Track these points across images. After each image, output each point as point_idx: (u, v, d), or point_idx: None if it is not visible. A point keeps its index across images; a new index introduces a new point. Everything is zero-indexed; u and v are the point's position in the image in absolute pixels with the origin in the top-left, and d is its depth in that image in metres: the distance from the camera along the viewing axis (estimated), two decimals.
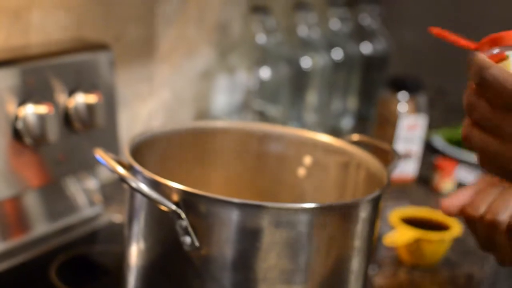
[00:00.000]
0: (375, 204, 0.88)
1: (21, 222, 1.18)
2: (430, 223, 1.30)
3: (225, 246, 0.81)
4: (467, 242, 1.38)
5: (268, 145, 1.06)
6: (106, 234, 1.27)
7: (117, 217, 1.30)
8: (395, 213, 1.31)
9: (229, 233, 0.81)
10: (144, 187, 0.81)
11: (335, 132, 1.85)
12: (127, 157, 0.88)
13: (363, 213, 0.86)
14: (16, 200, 1.16)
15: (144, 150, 0.96)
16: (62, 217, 1.24)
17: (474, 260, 1.31)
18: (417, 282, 1.22)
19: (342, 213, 0.84)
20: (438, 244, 1.25)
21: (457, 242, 1.35)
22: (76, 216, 1.27)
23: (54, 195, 1.23)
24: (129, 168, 0.86)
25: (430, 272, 1.26)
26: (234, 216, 0.80)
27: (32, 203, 1.19)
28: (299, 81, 1.72)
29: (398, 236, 1.25)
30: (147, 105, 1.54)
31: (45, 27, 1.24)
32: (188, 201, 0.81)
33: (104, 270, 1.17)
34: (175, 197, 0.81)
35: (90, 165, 1.26)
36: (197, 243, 0.81)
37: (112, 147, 1.27)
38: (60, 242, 1.21)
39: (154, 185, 0.82)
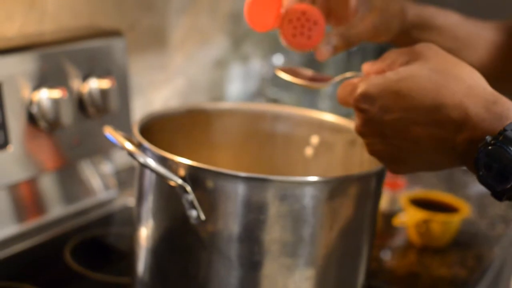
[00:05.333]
0: (378, 179, 0.90)
1: (37, 204, 1.21)
2: (439, 205, 1.31)
3: (230, 219, 0.83)
4: (476, 224, 1.39)
5: (275, 126, 1.08)
6: (120, 217, 1.29)
7: (132, 201, 1.32)
8: (405, 195, 1.32)
9: (234, 207, 0.82)
10: (151, 162, 0.83)
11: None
12: (136, 135, 0.90)
13: (367, 188, 0.87)
14: (31, 183, 1.19)
15: (153, 130, 0.98)
16: (77, 200, 1.27)
17: (483, 242, 1.32)
18: (426, 263, 1.23)
19: (346, 187, 0.85)
20: (447, 225, 1.26)
21: (466, 223, 1.36)
22: (91, 199, 1.29)
23: (69, 179, 1.26)
24: (138, 145, 0.88)
25: (440, 253, 1.27)
26: (239, 190, 0.82)
27: (48, 186, 1.22)
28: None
29: (408, 217, 1.26)
30: (161, 93, 1.56)
31: (59, 15, 1.26)
32: (194, 176, 0.83)
33: (117, 252, 1.19)
34: (182, 172, 0.83)
35: (104, 149, 1.28)
36: (203, 217, 0.83)
37: (125, 131, 1.28)
38: (75, 224, 1.24)
39: (162, 160, 0.84)
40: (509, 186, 0.70)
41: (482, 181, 0.72)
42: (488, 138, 0.70)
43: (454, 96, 0.73)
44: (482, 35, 1.04)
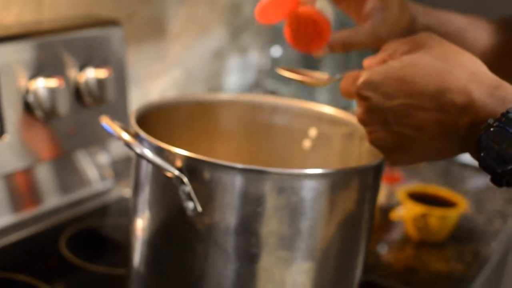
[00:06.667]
0: (377, 173, 0.89)
1: (33, 194, 1.20)
2: (437, 200, 1.31)
3: (227, 211, 0.82)
4: (474, 219, 1.39)
5: (273, 117, 1.07)
6: (116, 208, 1.29)
7: (128, 191, 1.31)
8: (403, 189, 1.32)
9: (231, 199, 0.82)
10: (148, 153, 0.82)
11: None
12: (133, 125, 0.89)
13: (365, 181, 0.87)
14: (27, 173, 1.18)
15: (150, 120, 0.97)
16: (73, 190, 1.26)
17: (480, 237, 1.32)
18: (423, 258, 1.23)
19: (345, 180, 0.85)
20: (444, 220, 1.26)
21: (464, 218, 1.36)
22: (87, 189, 1.29)
23: (65, 169, 1.25)
24: (134, 136, 0.88)
25: (437, 248, 1.26)
26: (237, 181, 0.81)
27: (43, 176, 1.21)
28: (311, 60, 1.73)
29: (405, 211, 1.26)
30: (159, 83, 1.55)
31: (57, 4, 1.26)
32: (191, 167, 0.82)
33: (113, 243, 1.19)
34: (179, 163, 0.82)
35: (101, 140, 1.28)
36: (199, 208, 0.82)
37: (122, 121, 1.28)
38: (71, 215, 1.23)
39: (158, 151, 0.84)
40: (509, 167, 0.71)
41: (483, 163, 0.73)
42: (491, 120, 0.71)
43: (458, 81, 0.74)
44: (487, 38, 1.04)
